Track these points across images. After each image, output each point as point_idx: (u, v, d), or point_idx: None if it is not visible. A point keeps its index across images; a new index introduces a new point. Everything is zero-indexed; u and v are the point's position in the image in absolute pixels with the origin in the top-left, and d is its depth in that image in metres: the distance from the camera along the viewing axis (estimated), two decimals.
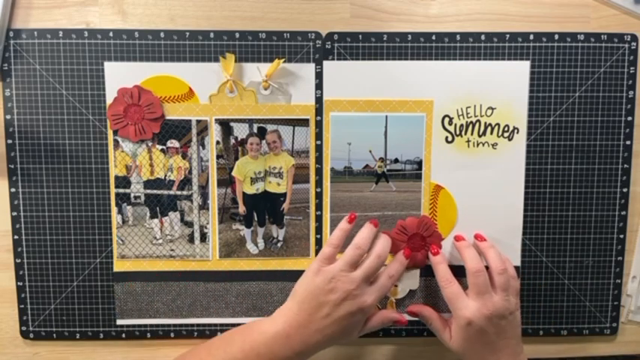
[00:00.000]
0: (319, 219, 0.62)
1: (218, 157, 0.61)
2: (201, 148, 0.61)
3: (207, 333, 0.63)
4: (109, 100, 0.60)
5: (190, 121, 0.61)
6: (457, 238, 0.60)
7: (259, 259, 0.63)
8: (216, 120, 0.61)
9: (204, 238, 0.62)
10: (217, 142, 0.61)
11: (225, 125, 0.61)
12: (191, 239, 0.62)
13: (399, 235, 0.61)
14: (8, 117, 0.60)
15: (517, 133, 0.61)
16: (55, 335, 0.63)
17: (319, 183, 0.62)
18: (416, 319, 0.62)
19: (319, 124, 0.61)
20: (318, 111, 0.61)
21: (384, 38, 0.60)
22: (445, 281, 0.57)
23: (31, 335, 0.63)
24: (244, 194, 0.62)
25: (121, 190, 0.61)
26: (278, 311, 0.55)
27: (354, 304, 0.53)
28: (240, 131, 0.61)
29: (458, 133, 0.61)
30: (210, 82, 0.60)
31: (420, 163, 0.62)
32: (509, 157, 0.62)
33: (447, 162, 0.62)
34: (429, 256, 0.60)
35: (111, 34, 0.59)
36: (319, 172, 0.62)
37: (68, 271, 0.62)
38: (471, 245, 0.60)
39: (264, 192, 0.62)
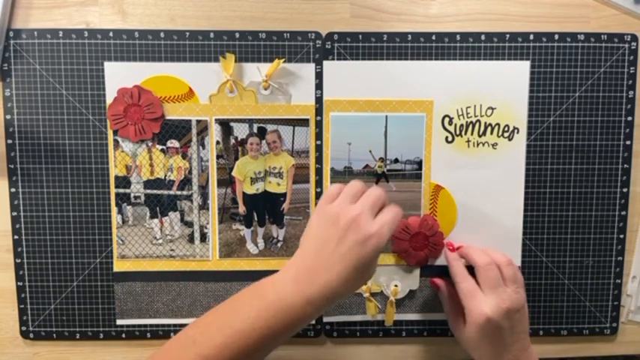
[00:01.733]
0: None
1: (218, 157, 0.61)
2: (201, 148, 0.61)
3: None
4: (109, 100, 0.60)
5: (190, 121, 0.61)
6: (450, 246, 0.60)
7: (259, 259, 0.63)
8: (216, 120, 0.61)
9: (204, 238, 0.62)
10: (217, 142, 0.61)
11: (225, 125, 0.61)
12: (191, 239, 0.62)
13: (402, 233, 0.61)
14: (8, 117, 0.60)
15: (517, 133, 0.61)
16: (55, 335, 0.63)
17: (319, 183, 0.62)
18: (416, 319, 0.63)
19: (319, 124, 0.61)
20: (318, 111, 0.61)
21: (384, 38, 0.60)
22: (461, 277, 0.56)
23: (31, 335, 0.63)
24: (244, 194, 0.62)
25: (121, 190, 0.61)
26: (287, 262, 0.50)
27: (360, 231, 0.47)
28: (240, 131, 0.61)
29: (458, 133, 0.61)
30: (210, 82, 0.60)
31: (420, 163, 0.62)
32: (509, 157, 0.62)
33: (447, 162, 0.62)
34: (445, 253, 0.60)
35: (111, 34, 0.59)
36: (319, 172, 0.62)
37: (68, 271, 0.62)
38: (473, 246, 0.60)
39: (264, 192, 0.62)
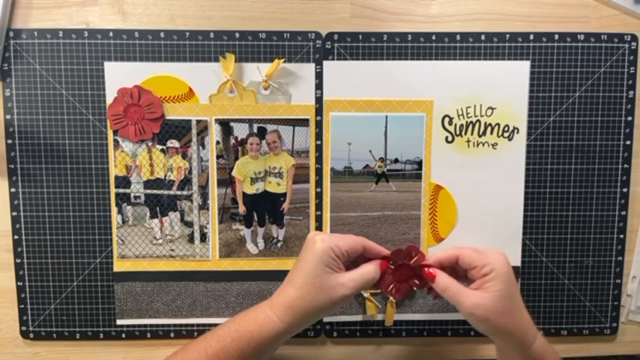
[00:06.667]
0: (319, 219, 0.62)
1: (218, 157, 0.61)
2: (201, 148, 0.61)
3: None
4: (109, 100, 0.60)
5: (190, 121, 0.61)
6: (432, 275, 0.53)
7: (259, 259, 0.63)
8: (216, 120, 0.61)
9: (204, 238, 0.62)
10: (217, 142, 0.61)
11: (225, 125, 0.61)
12: (191, 239, 0.62)
13: (386, 267, 0.54)
14: (8, 117, 0.60)
15: (517, 133, 0.61)
16: (55, 335, 0.63)
17: (319, 183, 0.62)
18: (416, 319, 0.63)
19: (319, 124, 0.61)
20: (318, 111, 0.61)
21: (384, 38, 0.60)
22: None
23: (31, 335, 0.63)
24: (244, 194, 0.62)
25: (121, 190, 0.61)
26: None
27: (307, 241, 0.52)
28: (240, 131, 0.61)
29: (458, 133, 0.61)
30: (210, 82, 0.60)
31: (420, 163, 0.62)
32: (509, 157, 0.62)
33: (447, 162, 0.62)
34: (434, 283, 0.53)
35: (111, 34, 0.59)
36: (319, 172, 0.62)
37: (68, 271, 0.62)
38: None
39: (264, 192, 0.62)
